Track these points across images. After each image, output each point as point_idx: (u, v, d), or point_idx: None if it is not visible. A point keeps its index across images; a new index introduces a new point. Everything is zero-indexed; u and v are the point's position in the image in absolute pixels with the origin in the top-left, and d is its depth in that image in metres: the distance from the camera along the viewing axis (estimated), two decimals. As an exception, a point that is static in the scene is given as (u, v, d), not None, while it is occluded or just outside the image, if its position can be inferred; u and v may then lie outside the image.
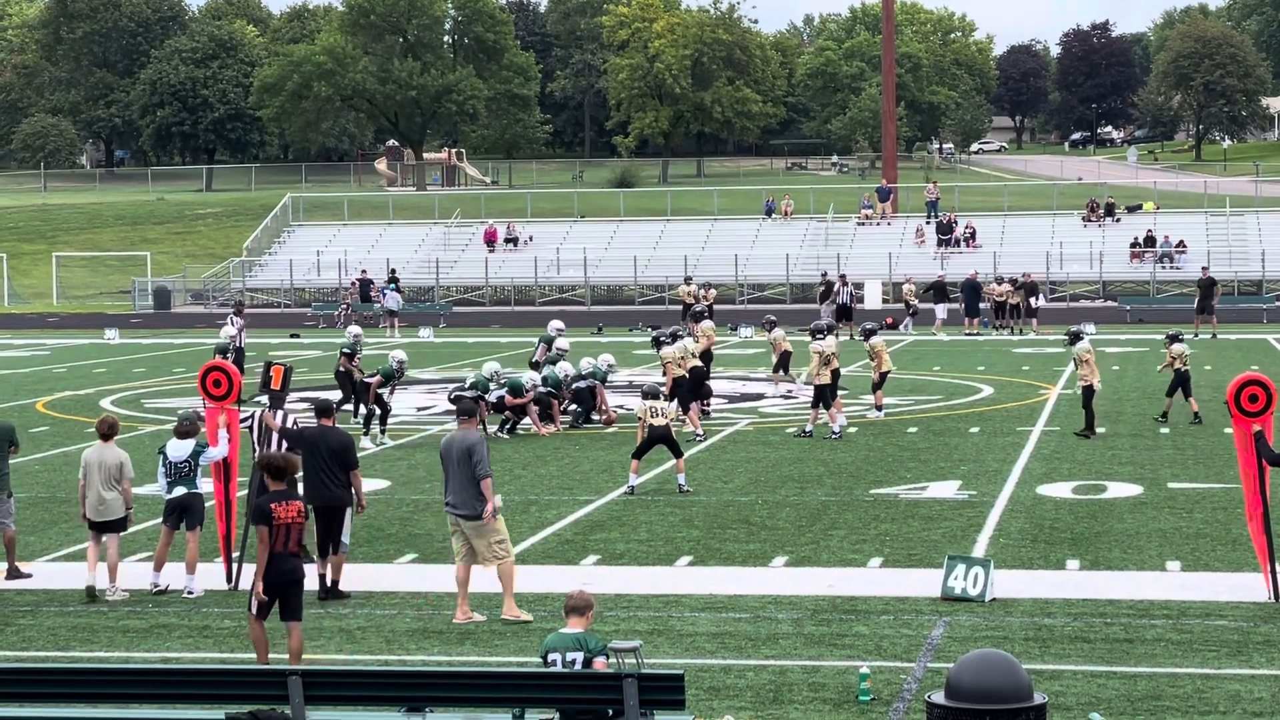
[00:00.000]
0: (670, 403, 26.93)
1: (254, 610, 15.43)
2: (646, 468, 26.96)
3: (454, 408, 18.78)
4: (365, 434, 30.99)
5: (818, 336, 32.09)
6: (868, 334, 34.53)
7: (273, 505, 15.38)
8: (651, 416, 25.35)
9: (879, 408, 34.49)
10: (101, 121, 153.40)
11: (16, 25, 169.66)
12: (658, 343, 34.28)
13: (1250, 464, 18.21)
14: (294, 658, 15.26)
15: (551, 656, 12.68)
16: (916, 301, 63.45)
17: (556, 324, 36.55)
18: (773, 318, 40.70)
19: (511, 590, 17.66)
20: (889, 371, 34.61)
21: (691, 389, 32.46)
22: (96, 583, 19.16)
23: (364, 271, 76.71)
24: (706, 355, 36.74)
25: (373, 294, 72.33)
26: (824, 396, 31.45)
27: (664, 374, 32.37)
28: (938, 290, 62.87)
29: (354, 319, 69.88)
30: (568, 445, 30.61)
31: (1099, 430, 31.79)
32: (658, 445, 25.48)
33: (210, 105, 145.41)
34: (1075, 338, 31.82)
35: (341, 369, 33.38)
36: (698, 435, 31.22)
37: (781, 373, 39.10)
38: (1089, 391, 31.09)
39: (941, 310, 61.71)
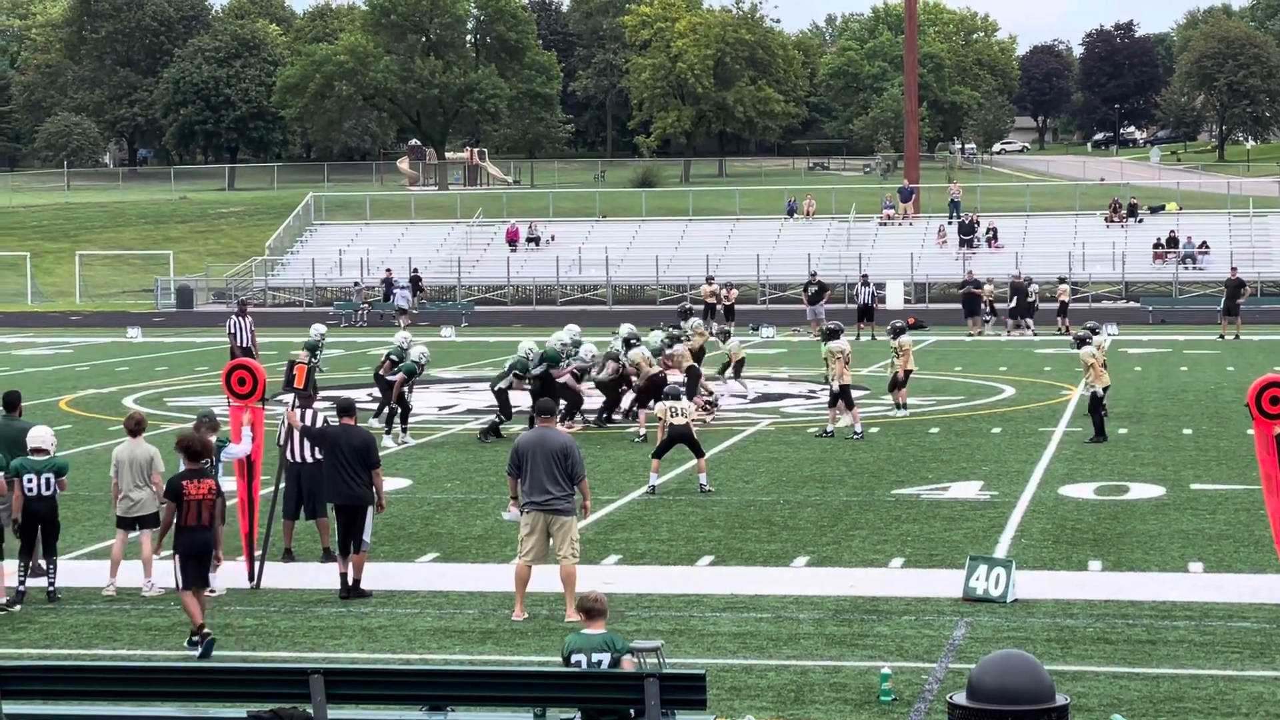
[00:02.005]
0: (689, 402, 26.91)
1: (181, 583, 17.00)
2: (667, 467, 26.94)
3: (533, 408, 19.00)
4: (387, 433, 30.99)
5: (831, 339, 31.99)
6: (897, 332, 34.41)
7: (184, 483, 16.97)
8: (672, 416, 25.39)
9: (902, 406, 34.41)
10: (124, 120, 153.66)
11: (40, 24, 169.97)
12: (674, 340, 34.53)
13: (1271, 466, 18.11)
14: (196, 619, 16.87)
15: (577, 658, 12.64)
16: (995, 303, 62.73)
17: (572, 328, 35.84)
18: (728, 329, 41.35)
19: (574, 591, 17.49)
20: (911, 371, 34.61)
21: (652, 392, 31.84)
22: (117, 583, 19.21)
23: (389, 271, 76.84)
24: (700, 353, 36.81)
25: (395, 293, 72.53)
26: (845, 396, 31.41)
27: (637, 374, 32.29)
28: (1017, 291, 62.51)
29: (368, 318, 70.08)
30: (588, 445, 30.57)
31: (1120, 431, 31.73)
32: (679, 445, 25.53)
33: (233, 104, 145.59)
34: (1081, 341, 31.57)
35: (382, 371, 32.65)
36: (639, 437, 31.26)
37: (732, 379, 38.82)
38: (1094, 397, 30.63)
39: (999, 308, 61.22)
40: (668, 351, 33.76)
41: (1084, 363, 30.97)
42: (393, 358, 32.52)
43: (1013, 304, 60.62)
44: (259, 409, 20.05)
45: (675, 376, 31.50)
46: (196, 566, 16.99)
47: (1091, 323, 35.38)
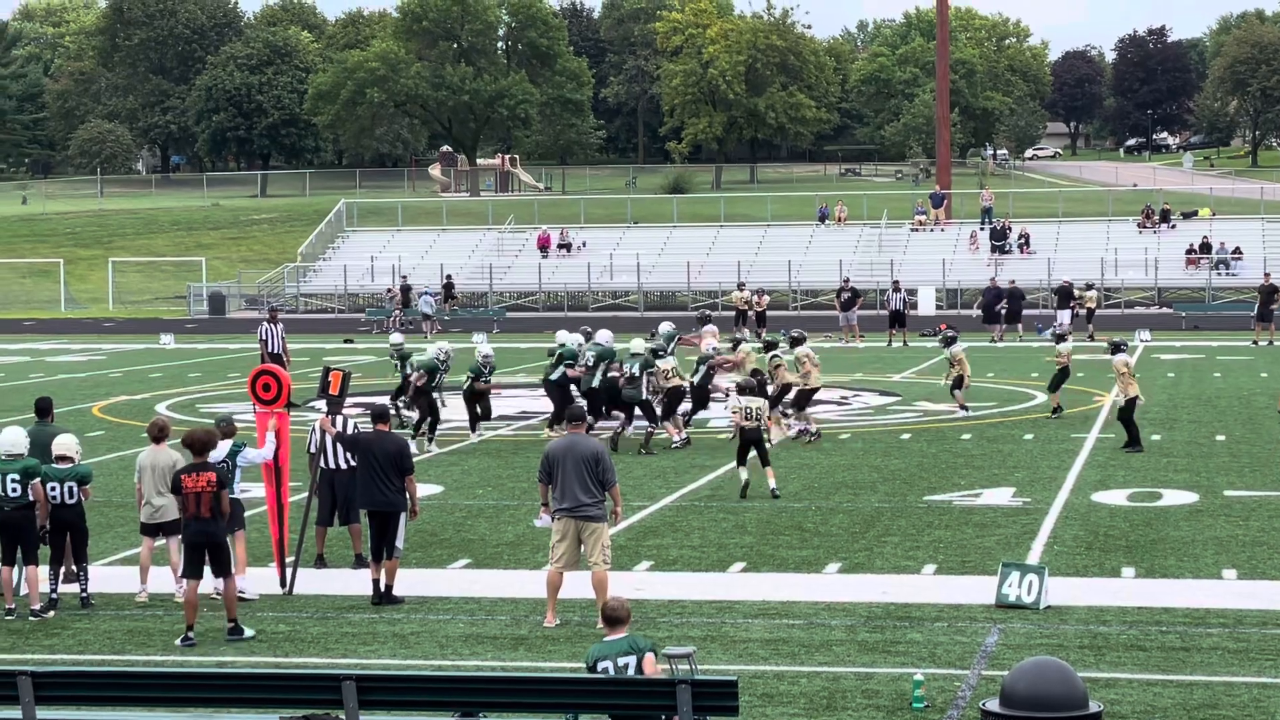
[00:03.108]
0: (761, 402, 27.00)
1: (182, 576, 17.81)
2: (698, 474, 26.94)
3: (569, 416, 18.92)
4: (412, 438, 30.74)
5: (797, 345, 31.97)
6: (949, 341, 34.69)
7: (183, 476, 17.68)
8: (745, 419, 25.46)
9: (964, 407, 35.31)
10: (157, 128, 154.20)
11: (74, 32, 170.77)
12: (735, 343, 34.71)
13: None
14: (230, 608, 17.60)
15: (603, 664, 12.57)
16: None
17: (592, 333, 35.39)
18: (740, 335, 40.92)
19: (605, 597, 17.41)
20: (965, 375, 34.99)
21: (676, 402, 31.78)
22: (149, 588, 19.28)
23: (405, 278, 77.16)
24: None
25: (413, 300, 72.71)
26: (803, 400, 31.62)
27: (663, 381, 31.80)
28: (1062, 295, 62.27)
29: (400, 324, 70.22)
30: (620, 451, 30.53)
31: (1153, 437, 31.63)
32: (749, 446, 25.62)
33: (265, 111, 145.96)
34: (1116, 348, 31.34)
35: (419, 384, 32.04)
36: (678, 442, 31.18)
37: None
38: (1126, 406, 30.28)
39: (1065, 315, 60.81)
40: (742, 350, 33.75)
41: (1116, 371, 30.80)
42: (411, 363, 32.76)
43: (1004, 310, 60.54)
44: (284, 414, 20.07)
45: (734, 378, 31.37)
46: (196, 557, 17.45)
47: (1119, 337, 35.31)
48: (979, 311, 61.07)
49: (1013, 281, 63.88)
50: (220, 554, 17.57)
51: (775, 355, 32.31)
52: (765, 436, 26.20)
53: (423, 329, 68.35)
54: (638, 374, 30.99)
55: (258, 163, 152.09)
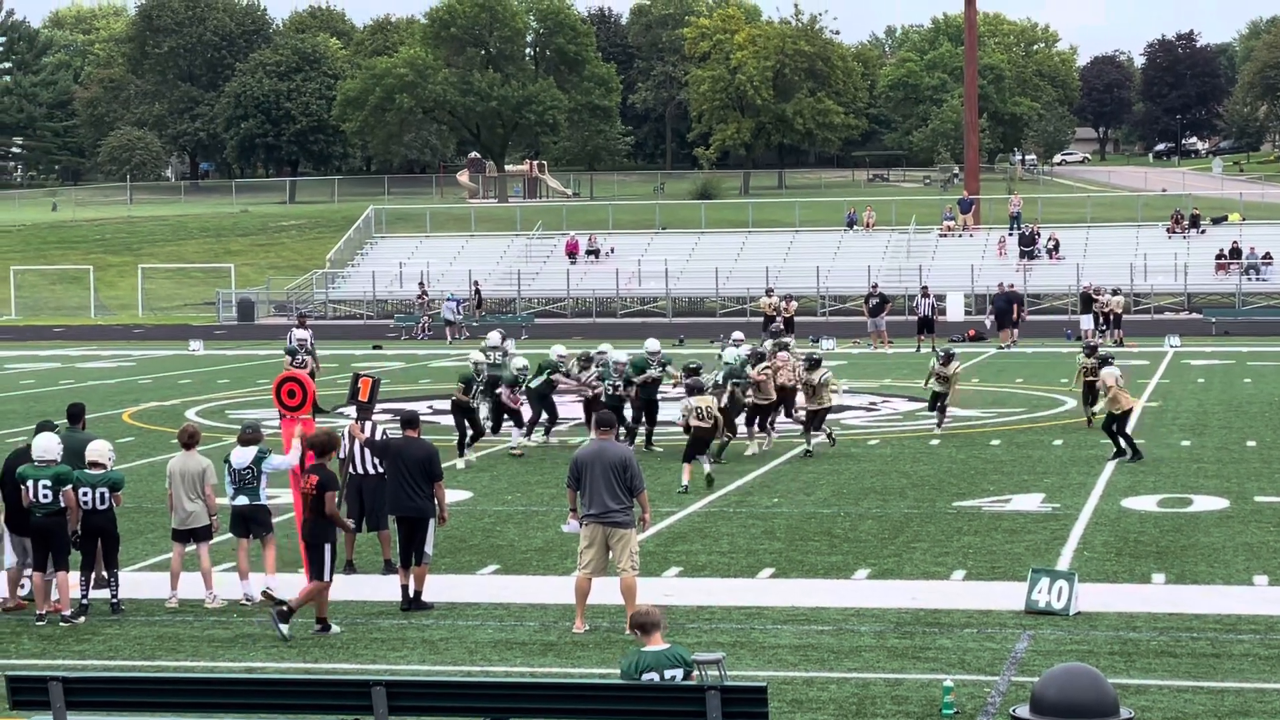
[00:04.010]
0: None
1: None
2: (726, 480, 26.95)
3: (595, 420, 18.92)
4: (460, 455, 30.23)
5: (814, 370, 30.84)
6: (948, 359, 33.82)
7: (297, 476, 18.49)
8: (696, 418, 26.15)
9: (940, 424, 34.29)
10: (186, 134, 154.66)
11: (103, 39, 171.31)
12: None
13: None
14: (320, 604, 18.01)
15: (649, 676, 12.45)
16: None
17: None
18: (730, 337, 40.30)
19: (634, 604, 17.42)
20: (946, 393, 33.81)
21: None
22: (180, 594, 19.34)
23: (421, 284, 77.44)
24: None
25: (431, 306, 73.11)
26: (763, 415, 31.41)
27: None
28: (1084, 301, 62.16)
29: (429, 330, 70.40)
30: (648, 457, 30.53)
31: (1183, 443, 31.55)
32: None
33: (293, 118, 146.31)
34: (1104, 362, 30.69)
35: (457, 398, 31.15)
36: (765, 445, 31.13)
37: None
38: (1118, 418, 29.39)
39: (1086, 321, 60.75)
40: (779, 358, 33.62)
41: (1103, 384, 29.92)
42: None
43: (991, 311, 60.47)
44: (309, 420, 20.11)
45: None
46: (310, 557, 18.12)
47: (1104, 350, 33.86)
48: (992, 318, 60.85)
49: (1011, 286, 63.56)
50: (313, 555, 18.01)
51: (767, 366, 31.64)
52: (723, 438, 27.88)
53: (445, 335, 68.52)
54: (721, 383, 30.54)
55: (286, 169, 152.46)
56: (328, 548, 18.00)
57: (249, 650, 17.33)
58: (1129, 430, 30.08)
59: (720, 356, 31.71)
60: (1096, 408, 31.31)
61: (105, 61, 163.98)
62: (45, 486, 18.69)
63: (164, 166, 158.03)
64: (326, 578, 17.99)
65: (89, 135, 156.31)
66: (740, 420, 31.33)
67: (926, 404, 34.72)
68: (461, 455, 30.31)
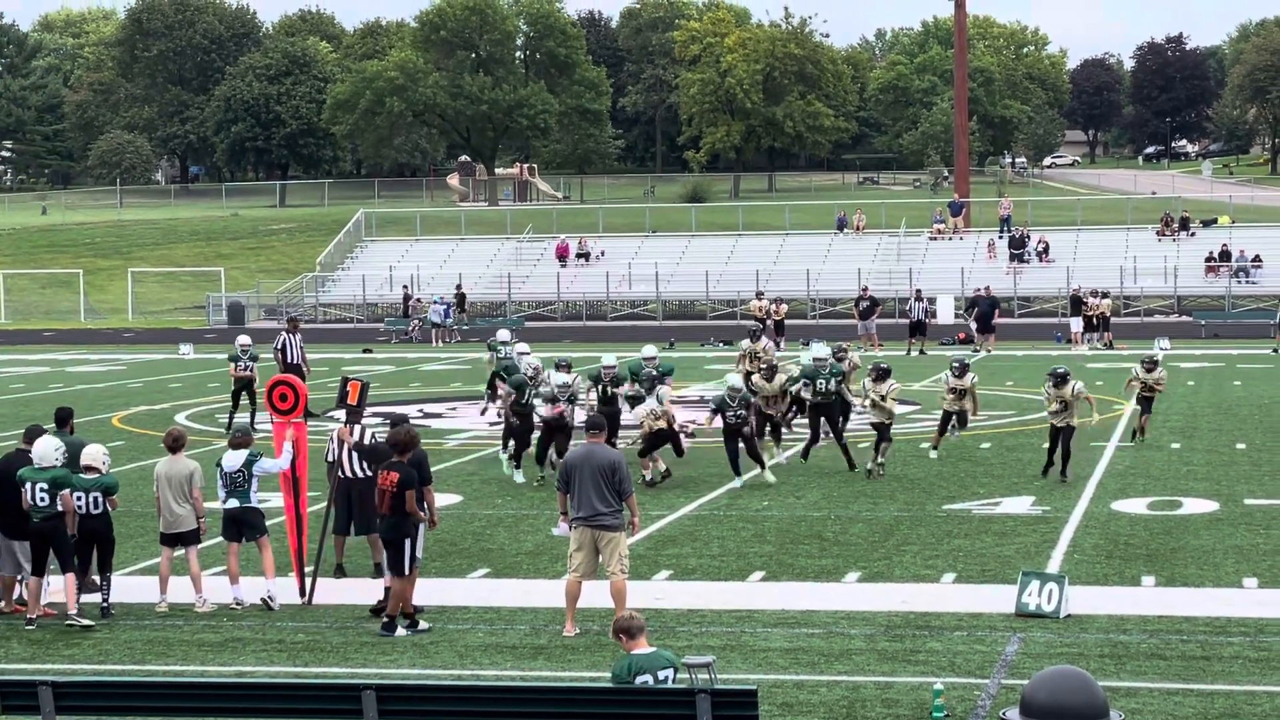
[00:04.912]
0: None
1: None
2: (717, 483, 26.93)
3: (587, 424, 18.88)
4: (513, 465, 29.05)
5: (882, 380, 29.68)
6: (963, 370, 31.21)
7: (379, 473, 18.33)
8: (655, 419, 26.60)
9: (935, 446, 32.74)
10: (176, 138, 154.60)
11: (93, 43, 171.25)
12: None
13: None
14: (391, 602, 18.01)
15: (643, 678, 12.47)
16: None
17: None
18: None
19: (624, 607, 17.37)
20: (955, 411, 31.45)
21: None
22: (169, 598, 19.31)
23: (405, 287, 77.56)
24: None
25: (413, 310, 73.17)
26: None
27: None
28: (1074, 303, 62.21)
29: (421, 333, 70.41)
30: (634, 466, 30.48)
31: (1173, 446, 31.58)
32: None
33: (284, 121, 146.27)
34: (1061, 379, 28.23)
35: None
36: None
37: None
38: (1065, 431, 27.85)
39: (1076, 323, 60.77)
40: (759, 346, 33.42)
41: (1063, 398, 27.93)
42: (500, 375, 30.73)
43: (974, 316, 60.49)
44: (301, 424, 20.11)
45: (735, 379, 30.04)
46: (389, 553, 18.14)
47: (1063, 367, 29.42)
48: (974, 322, 60.77)
49: (988, 289, 63.67)
50: (393, 552, 18.00)
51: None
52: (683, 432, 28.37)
53: (432, 338, 68.65)
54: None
55: (276, 173, 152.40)
56: (408, 543, 17.99)
57: (239, 654, 17.31)
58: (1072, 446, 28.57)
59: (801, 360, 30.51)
60: (1076, 420, 27.88)
61: (95, 65, 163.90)
62: (43, 490, 18.68)
63: (154, 170, 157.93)
64: (408, 573, 17.99)
65: (79, 139, 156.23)
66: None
67: (938, 424, 31.43)
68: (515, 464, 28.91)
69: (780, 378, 30.33)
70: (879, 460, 28.62)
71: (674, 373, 31.94)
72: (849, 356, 32.96)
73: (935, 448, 31.12)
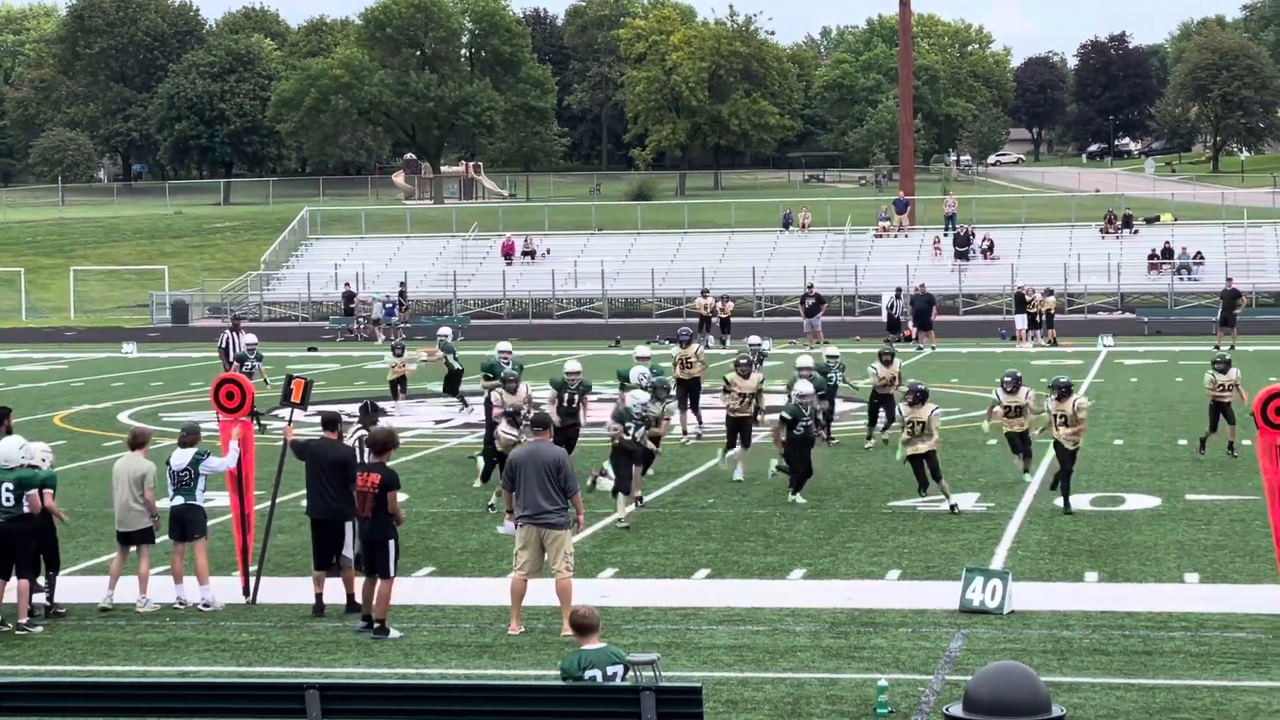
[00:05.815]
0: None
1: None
2: (662, 481, 26.95)
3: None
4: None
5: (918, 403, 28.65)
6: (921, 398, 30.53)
7: (357, 475, 18.19)
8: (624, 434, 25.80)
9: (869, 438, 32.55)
10: (119, 135, 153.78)
11: (34, 40, 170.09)
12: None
13: (1275, 477, 17.83)
14: (379, 605, 17.82)
15: (591, 673, 12.56)
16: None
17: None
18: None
19: (570, 605, 17.30)
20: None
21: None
22: (115, 597, 19.18)
23: (348, 284, 77.39)
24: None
25: (357, 308, 73.09)
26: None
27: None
28: (1018, 301, 62.47)
29: (366, 331, 70.28)
30: (583, 459, 30.45)
31: (1116, 442, 31.75)
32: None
33: (227, 119, 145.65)
34: (1016, 384, 27.32)
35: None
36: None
37: None
38: (1021, 437, 27.40)
39: (1021, 320, 61.01)
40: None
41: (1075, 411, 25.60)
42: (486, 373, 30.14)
43: (913, 314, 60.97)
44: (248, 423, 20.05)
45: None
46: (365, 554, 18.06)
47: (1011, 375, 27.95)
48: (913, 320, 61.10)
49: (924, 286, 63.90)
50: (373, 553, 17.86)
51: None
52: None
53: (374, 334, 68.68)
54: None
55: (220, 171, 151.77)
56: (391, 544, 17.88)
57: (182, 654, 17.23)
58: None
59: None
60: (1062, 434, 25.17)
61: (36, 62, 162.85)
62: (9, 490, 18.52)
63: (96, 168, 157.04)
64: (391, 574, 17.87)
65: (19, 136, 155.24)
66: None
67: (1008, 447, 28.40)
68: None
69: (756, 375, 29.67)
70: (952, 503, 25.03)
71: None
72: (877, 370, 32.45)
73: (869, 439, 32.01)
